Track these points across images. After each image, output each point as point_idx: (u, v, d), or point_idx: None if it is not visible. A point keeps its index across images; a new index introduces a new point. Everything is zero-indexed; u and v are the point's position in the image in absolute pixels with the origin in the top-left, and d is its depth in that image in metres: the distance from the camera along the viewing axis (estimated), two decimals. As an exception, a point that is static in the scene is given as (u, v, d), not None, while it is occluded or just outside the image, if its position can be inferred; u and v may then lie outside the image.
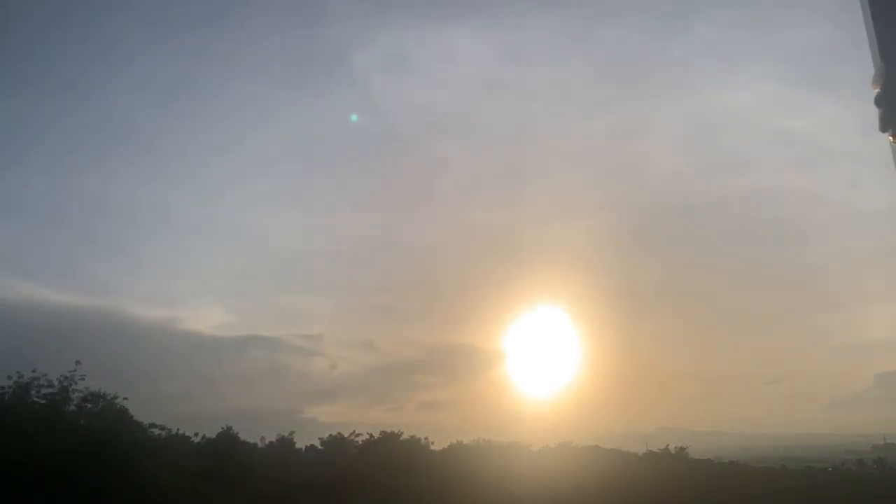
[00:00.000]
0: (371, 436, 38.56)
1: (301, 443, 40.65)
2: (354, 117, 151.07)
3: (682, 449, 42.30)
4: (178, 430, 29.62)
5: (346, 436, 39.95)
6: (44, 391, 21.56)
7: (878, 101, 2.46)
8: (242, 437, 35.31)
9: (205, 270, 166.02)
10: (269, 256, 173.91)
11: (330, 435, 40.14)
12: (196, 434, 32.71)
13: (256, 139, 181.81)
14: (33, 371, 21.57)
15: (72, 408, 21.96)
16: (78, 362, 22.35)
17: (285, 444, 39.29)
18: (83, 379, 22.24)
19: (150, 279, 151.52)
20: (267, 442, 39.25)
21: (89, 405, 22.44)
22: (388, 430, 38.77)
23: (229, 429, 34.67)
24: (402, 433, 38.72)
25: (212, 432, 33.57)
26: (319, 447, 40.25)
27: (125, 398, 23.88)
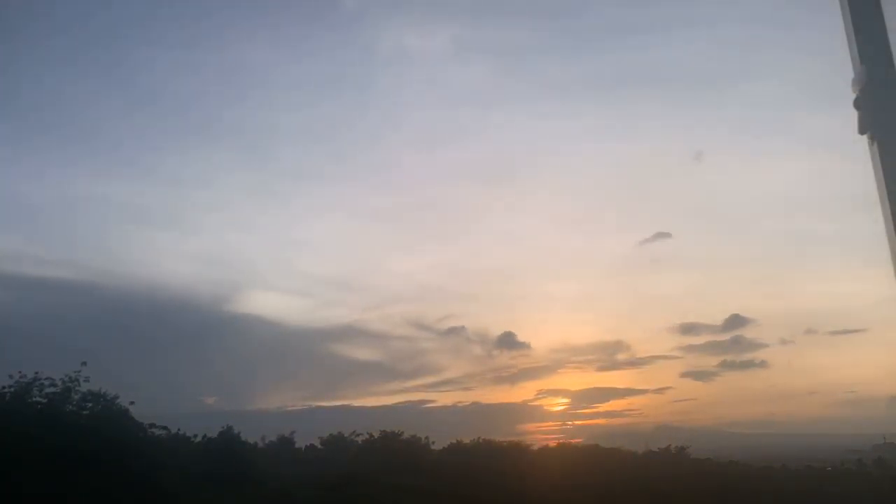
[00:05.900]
0: (371, 435, 38.65)
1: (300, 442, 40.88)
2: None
3: (682, 448, 42.39)
4: (178, 430, 29.85)
5: (346, 435, 40.16)
6: (46, 391, 21.59)
7: (858, 104, 2.50)
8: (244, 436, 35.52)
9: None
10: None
11: (330, 434, 40.37)
12: (195, 435, 32.92)
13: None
14: (36, 372, 21.60)
15: (71, 407, 21.97)
16: (84, 363, 22.36)
17: (285, 443, 39.50)
18: (87, 381, 22.24)
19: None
20: (267, 441, 39.46)
21: (90, 404, 22.45)
22: (388, 430, 38.88)
23: (230, 428, 34.84)
24: (403, 433, 38.83)
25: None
26: (319, 447, 40.45)
27: (132, 402, 23.90)
